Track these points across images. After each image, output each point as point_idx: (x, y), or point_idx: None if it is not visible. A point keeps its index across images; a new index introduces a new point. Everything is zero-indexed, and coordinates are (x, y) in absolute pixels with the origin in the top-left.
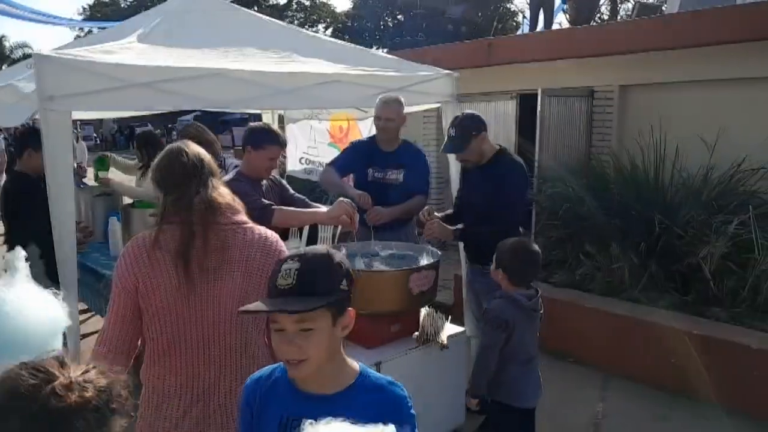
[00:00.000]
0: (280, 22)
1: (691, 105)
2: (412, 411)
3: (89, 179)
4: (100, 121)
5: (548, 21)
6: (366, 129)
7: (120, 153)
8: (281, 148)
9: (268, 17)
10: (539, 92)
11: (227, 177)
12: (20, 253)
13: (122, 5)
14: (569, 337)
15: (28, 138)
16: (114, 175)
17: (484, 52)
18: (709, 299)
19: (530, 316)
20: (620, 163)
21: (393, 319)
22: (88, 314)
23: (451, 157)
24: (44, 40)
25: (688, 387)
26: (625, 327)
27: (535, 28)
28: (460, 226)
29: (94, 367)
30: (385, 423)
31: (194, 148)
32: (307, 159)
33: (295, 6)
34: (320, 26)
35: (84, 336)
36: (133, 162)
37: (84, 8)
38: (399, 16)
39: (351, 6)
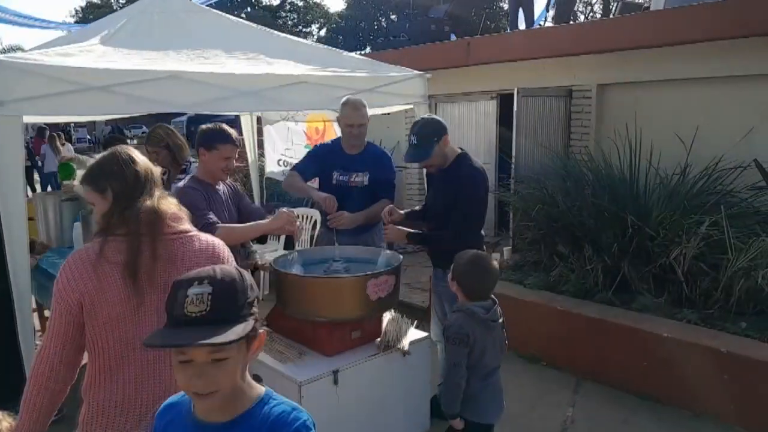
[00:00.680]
0: (251, 24)
1: (669, 104)
2: None
3: None
4: (93, 123)
5: (529, 20)
6: None
7: None
8: (235, 147)
9: (237, 18)
10: (515, 92)
11: (180, 183)
12: None
13: (114, 7)
14: (541, 340)
15: None
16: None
17: (463, 51)
18: (683, 301)
19: (489, 327)
20: (595, 163)
21: (353, 326)
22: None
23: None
24: (37, 42)
25: (657, 391)
26: (596, 330)
27: (516, 27)
28: (413, 230)
29: None
30: None
31: (141, 155)
32: (284, 161)
33: (288, 7)
34: (314, 27)
35: None
36: None
37: (77, 10)
38: (393, 17)
39: (344, 7)
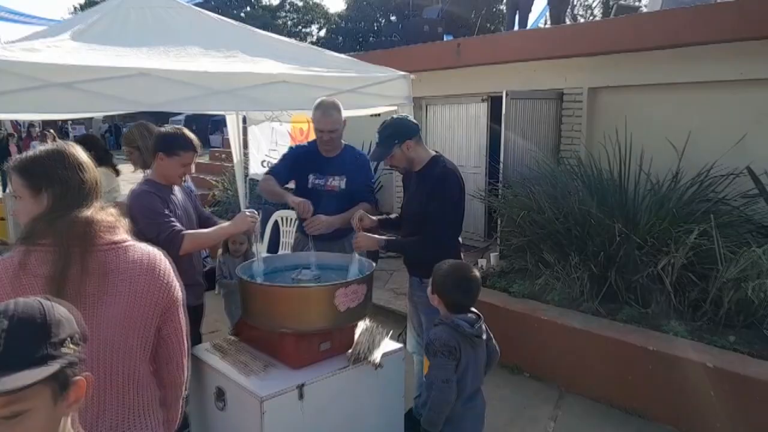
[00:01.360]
0: (232, 21)
1: (662, 108)
2: None
3: None
4: (90, 120)
5: (523, 22)
6: None
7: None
8: (195, 153)
9: (218, 16)
10: (504, 94)
11: (136, 187)
12: None
13: None
14: (525, 350)
15: None
16: None
17: (453, 53)
18: (671, 312)
19: (473, 343)
20: (584, 168)
21: (322, 337)
22: None
23: None
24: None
25: (642, 406)
26: (580, 340)
27: (512, 29)
28: (385, 237)
29: None
30: None
31: (91, 161)
32: (268, 162)
33: (288, 7)
34: (313, 27)
35: None
36: None
37: (75, 8)
38: (393, 18)
39: (344, 7)
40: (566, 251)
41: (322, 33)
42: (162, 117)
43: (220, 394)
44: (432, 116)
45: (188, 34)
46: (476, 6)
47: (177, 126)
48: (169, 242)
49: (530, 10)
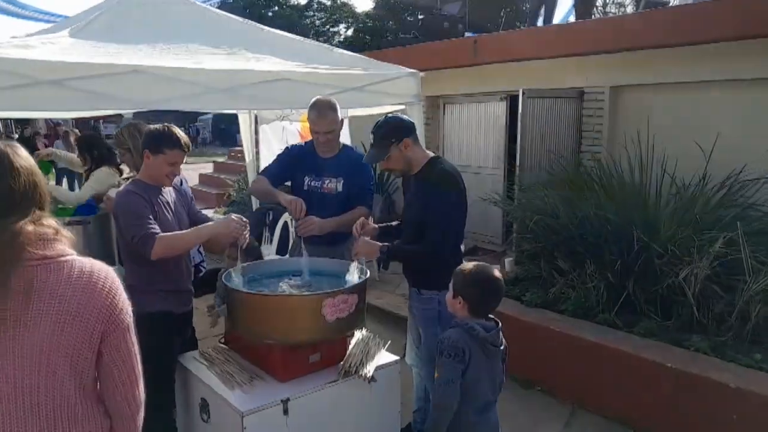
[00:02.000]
0: (237, 18)
1: (689, 108)
2: None
3: None
4: (121, 117)
5: (549, 17)
6: None
7: None
8: (183, 152)
9: (224, 12)
10: (520, 93)
11: (122, 187)
12: None
13: None
14: (537, 362)
15: None
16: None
17: (469, 50)
18: (693, 325)
19: (487, 351)
20: (603, 171)
21: (311, 349)
22: None
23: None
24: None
25: (658, 426)
26: (594, 354)
27: (535, 24)
28: (386, 244)
29: None
30: None
31: (29, 164)
32: None
33: (315, 6)
34: (341, 26)
35: None
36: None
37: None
38: (420, 16)
39: (372, 6)
40: (582, 259)
41: (350, 32)
42: (190, 116)
43: (204, 406)
44: (450, 115)
45: (192, 31)
46: (502, 4)
47: (167, 124)
48: (142, 245)
49: (556, 5)
